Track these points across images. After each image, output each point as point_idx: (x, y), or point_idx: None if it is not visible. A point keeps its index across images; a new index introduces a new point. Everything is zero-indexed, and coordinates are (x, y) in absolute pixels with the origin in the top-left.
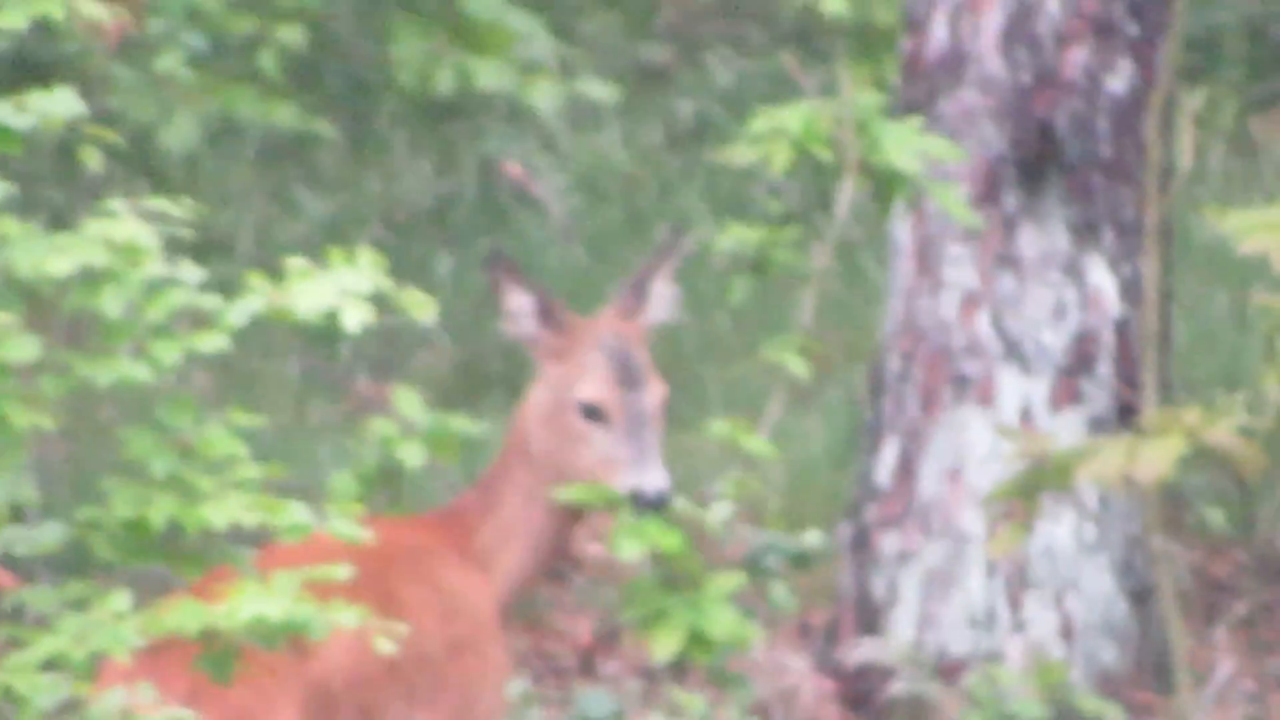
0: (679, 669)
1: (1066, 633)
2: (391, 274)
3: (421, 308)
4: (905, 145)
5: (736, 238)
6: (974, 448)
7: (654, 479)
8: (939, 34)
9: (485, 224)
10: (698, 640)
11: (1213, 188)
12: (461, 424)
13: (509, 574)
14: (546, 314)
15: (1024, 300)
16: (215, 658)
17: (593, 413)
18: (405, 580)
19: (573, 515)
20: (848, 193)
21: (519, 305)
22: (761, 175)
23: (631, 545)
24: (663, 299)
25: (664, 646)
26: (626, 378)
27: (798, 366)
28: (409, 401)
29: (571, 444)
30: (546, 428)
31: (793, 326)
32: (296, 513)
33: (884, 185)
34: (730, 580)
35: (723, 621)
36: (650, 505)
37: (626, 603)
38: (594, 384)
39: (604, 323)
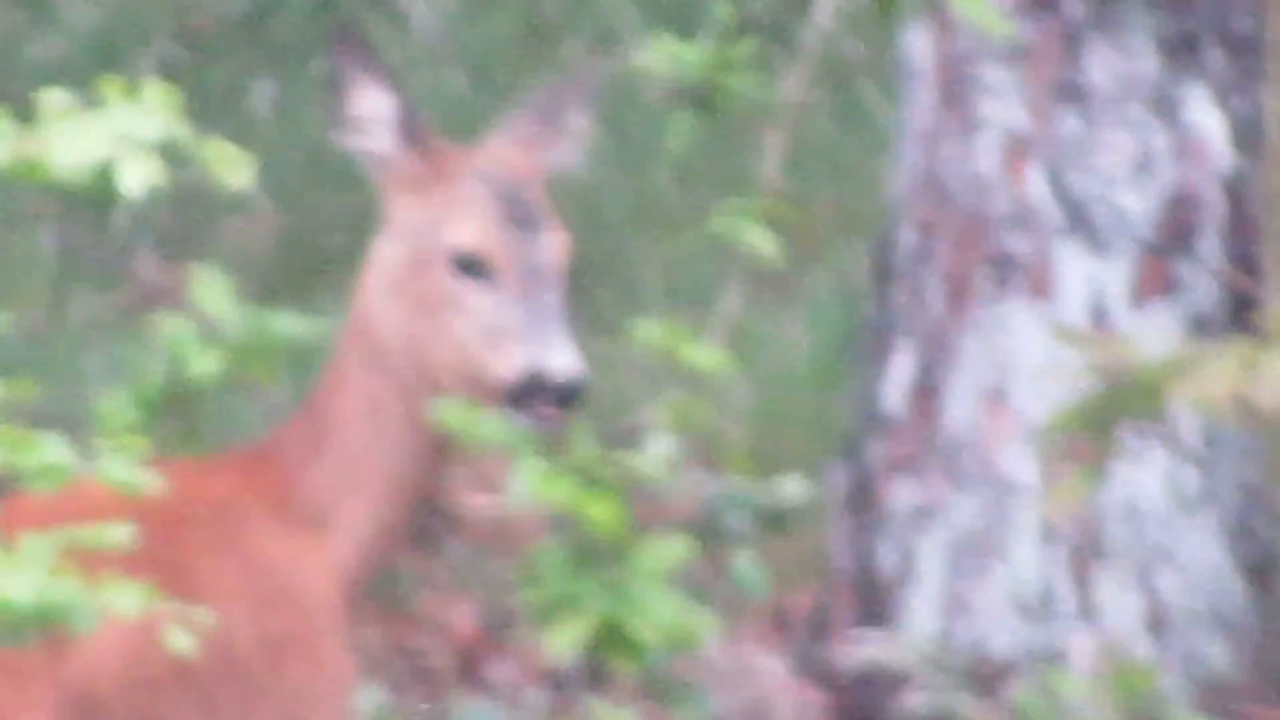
0: (600, 673)
1: (1156, 623)
2: (189, 113)
3: (231, 162)
4: None
5: (676, 58)
6: (1023, 359)
7: (562, 359)
8: None
9: (322, 40)
10: (617, 638)
11: None
12: (287, 323)
13: (354, 534)
14: (409, 128)
15: (1094, 147)
16: None
17: (470, 265)
18: (204, 548)
19: (446, 438)
20: None
21: (373, 108)
22: None
23: (530, 489)
24: (577, 135)
25: (561, 640)
26: (517, 217)
27: (765, 242)
28: (212, 291)
29: (437, 315)
30: (401, 295)
31: (758, 183)
32: (52, 449)
33: None
34: (670, 549)
35: (657, 612)
36: (557, 398)
37: (526, 581)
38: (472, 225)
39: (489, 151)
